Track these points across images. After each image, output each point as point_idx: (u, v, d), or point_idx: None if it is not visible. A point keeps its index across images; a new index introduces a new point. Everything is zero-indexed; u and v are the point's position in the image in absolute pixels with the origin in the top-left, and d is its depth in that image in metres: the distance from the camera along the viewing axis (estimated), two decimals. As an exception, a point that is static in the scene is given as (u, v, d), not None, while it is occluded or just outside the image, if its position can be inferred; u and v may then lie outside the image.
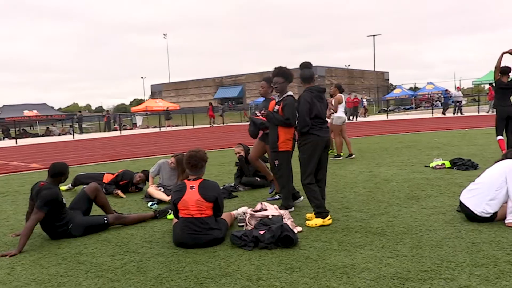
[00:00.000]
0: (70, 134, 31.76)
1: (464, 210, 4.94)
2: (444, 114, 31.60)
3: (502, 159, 5.03)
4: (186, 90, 79.84)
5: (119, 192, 7.32)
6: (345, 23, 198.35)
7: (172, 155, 7.26)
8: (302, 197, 6.10)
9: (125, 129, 36.10)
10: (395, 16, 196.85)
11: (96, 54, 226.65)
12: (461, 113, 31.34)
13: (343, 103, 11.46)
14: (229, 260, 4.03)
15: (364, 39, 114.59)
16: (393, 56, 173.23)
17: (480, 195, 4.82)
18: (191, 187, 4.54)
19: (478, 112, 31.81)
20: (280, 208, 5.22)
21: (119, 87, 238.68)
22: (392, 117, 33.10)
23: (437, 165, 8.62)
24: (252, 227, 4.71)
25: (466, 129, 18.32)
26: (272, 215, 4.74)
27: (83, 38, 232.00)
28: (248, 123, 6.97)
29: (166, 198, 6.67)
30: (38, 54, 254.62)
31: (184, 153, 7.12)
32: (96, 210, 5.64)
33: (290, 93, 5.85)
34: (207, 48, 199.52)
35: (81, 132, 34.01)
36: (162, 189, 6.92)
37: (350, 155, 10.87)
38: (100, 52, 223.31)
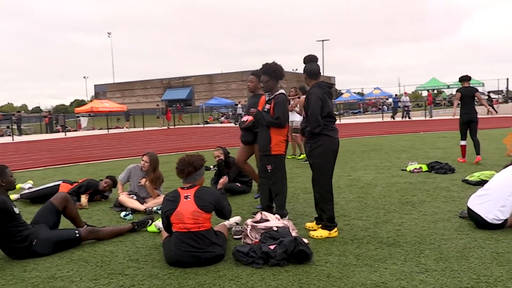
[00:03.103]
0: (9, 135, 29.51)
1: (473, 216, 4.68)
2: (393, 118, 32.42)
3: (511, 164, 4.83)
4: (132, 91, 77.24)
5: (82, 202, 6.41)
6: (291, 28, 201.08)
7: (143, 154, 6.54)
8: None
9: (69, 130, 34.06)
10: (338, 22, 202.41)
11: (34, 53, 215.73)
12: (409, 118, 32.30)
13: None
14: (239, 282, 3.48)
15: (310, 45, 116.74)
16: (337, 62, 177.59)
17: (491, 201, 4.58)
18: (186, 197, 3.93)
19: (425, 116, 32.89)
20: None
21: (58, 87, 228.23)
22: (344, 120, 33.50)
23: (415, 168, 8.47)
24: (255, 240, 4.18)
25: (421, 132, 18.66)
26: (277, 227, 4.23)
27: (19, 36, 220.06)
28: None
29: (141, 207, 5.98)
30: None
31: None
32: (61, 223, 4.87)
33: (281, 91, 5.39)
34: (153, 49, 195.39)
35: (20, 134, 31.69)
36: (135, 197, 6.21)
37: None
38: (38, 51, 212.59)
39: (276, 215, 4.58)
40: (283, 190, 5.32)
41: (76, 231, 4.57)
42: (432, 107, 34.16)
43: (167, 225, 4.00)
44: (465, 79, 9.50)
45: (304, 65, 4.65)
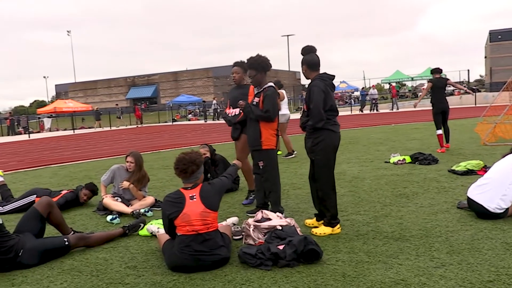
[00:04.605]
0: (-33, 139, 28.13)
1: (474, 206, 4.65)
2: (362, 111, 32.84)
3: (511, 153, 4.83)
4: (95, 90, 75.24)
5: None
6: (255, 23, 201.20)
7: (126, 155, 6.19)
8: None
9: (31, 132, 32.77)
10: (300, 18, 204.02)
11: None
12: (377, 110, 32.80)
13: (286, 99, 11.05)
14: (251, 286, 3.28)
15: (274, 40, 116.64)
16: (300, 57, 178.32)
17: (492, 190, 4.55)
18: (192, 197, 3.69)
19: (392, 109, 33.43)
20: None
21: (15, 88, 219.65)
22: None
23: (399, 160, 8.47)
24: (260, 241, 3.99)
25: (393, 124, 18.90)
26: (281, 225, 4.05)
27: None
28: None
29: (127, 209, 5.67)
30: None
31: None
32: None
33: (270, 83, 5.22)
34: (116, 47, 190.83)
35: (-21, 137, 30.28)
36: (119, 199, 5.89)
37: (290, 154, 10.46)
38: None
39: (278, 213, 4.40)
40: (277, 187, 5.17)
41: (65, 239, 4.25)
42: (396, 99, 34.86)
43: (171, 229, 3.75)
44: (436, 71, 9.87)
45: (302, 57, 4.45)
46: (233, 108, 5.79)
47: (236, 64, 5.77)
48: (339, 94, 52.74)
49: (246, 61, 5.28)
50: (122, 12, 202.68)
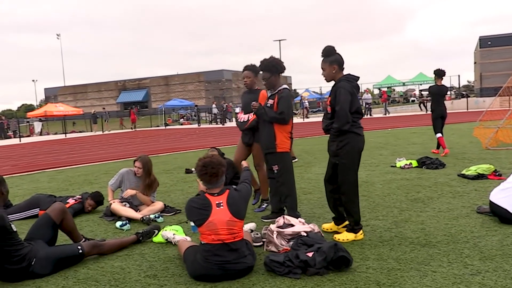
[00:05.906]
0: (-45, 143, 27.52)
1: (497, 211, 4.55)
2: (355, 116, 32.78)
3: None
4: (85, 94, 74.52)
5: None
6: (245, 28, 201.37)
7: (134, 159, 5.99)
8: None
9: (22, 136, 32.25)
10: (292, 22, 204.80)
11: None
12: (370, 115, 32.85)
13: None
14: (283, 296, 3.14)
15: (264, 44, 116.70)
16: (290, 61, 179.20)
17: (516, 194, 4.46)
18: (218, 204, 3.51)
19: (385, 113, 33.50)
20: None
21: (3, 92, 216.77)
22: (308, 119, 33.57)
23: (405, 164, 8.39)
24: (284, 248, 3.84)
25: (389, 129, 18.88)
26: (305, 231, 3.91)
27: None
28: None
29: (137, 215, 5.49)
30: None
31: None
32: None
33: (285, 85, 5.11)
34: (106, 51, 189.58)
35: (-31, 141, 29.66)
36: (128, 205, 5.70)
37: (292, 158, 10.31)
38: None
39: (300, 219, 4.26)
40: (293, 191, 5.04)
41: (79, 246, 4.06)
42: (386, 104, 35.02)
43: None
44: (439, 74, 9.73)
45: (327, 57, 4.29)
46: (244, 113, 5.65)
47: (247, 68, 5.62)
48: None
49: (259, 63, 5.18)
50: (113, 16, 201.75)
